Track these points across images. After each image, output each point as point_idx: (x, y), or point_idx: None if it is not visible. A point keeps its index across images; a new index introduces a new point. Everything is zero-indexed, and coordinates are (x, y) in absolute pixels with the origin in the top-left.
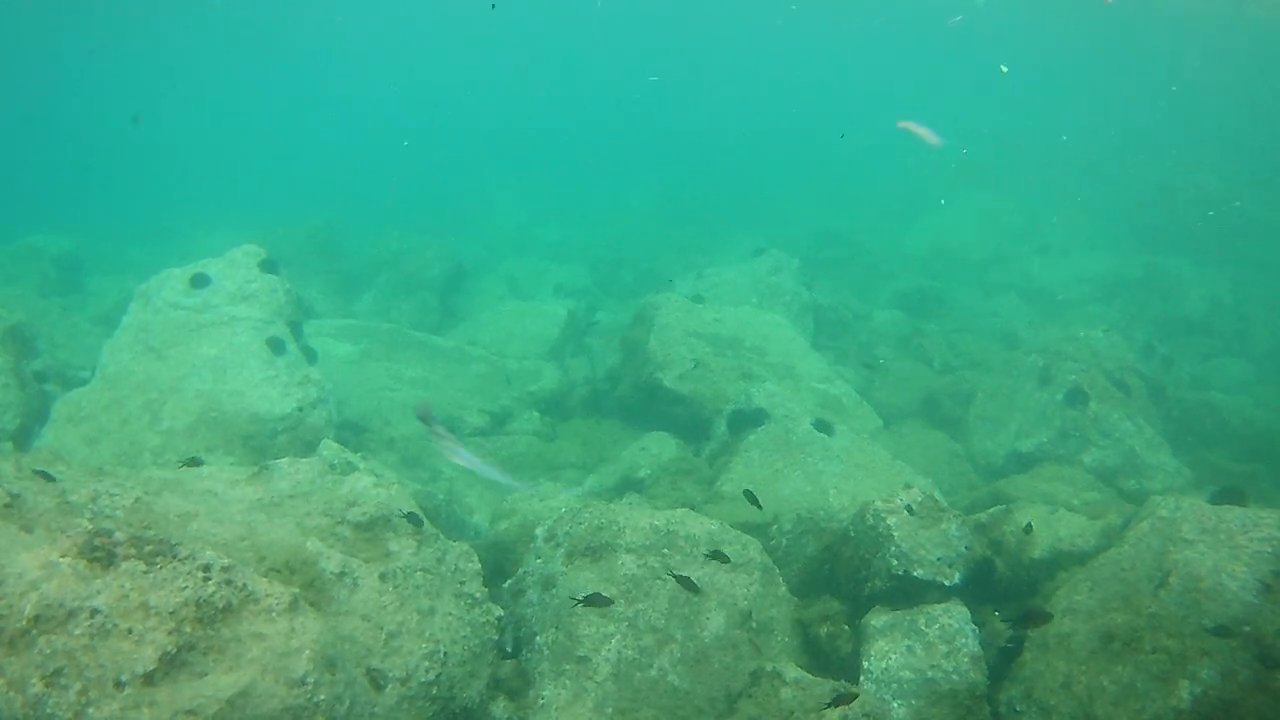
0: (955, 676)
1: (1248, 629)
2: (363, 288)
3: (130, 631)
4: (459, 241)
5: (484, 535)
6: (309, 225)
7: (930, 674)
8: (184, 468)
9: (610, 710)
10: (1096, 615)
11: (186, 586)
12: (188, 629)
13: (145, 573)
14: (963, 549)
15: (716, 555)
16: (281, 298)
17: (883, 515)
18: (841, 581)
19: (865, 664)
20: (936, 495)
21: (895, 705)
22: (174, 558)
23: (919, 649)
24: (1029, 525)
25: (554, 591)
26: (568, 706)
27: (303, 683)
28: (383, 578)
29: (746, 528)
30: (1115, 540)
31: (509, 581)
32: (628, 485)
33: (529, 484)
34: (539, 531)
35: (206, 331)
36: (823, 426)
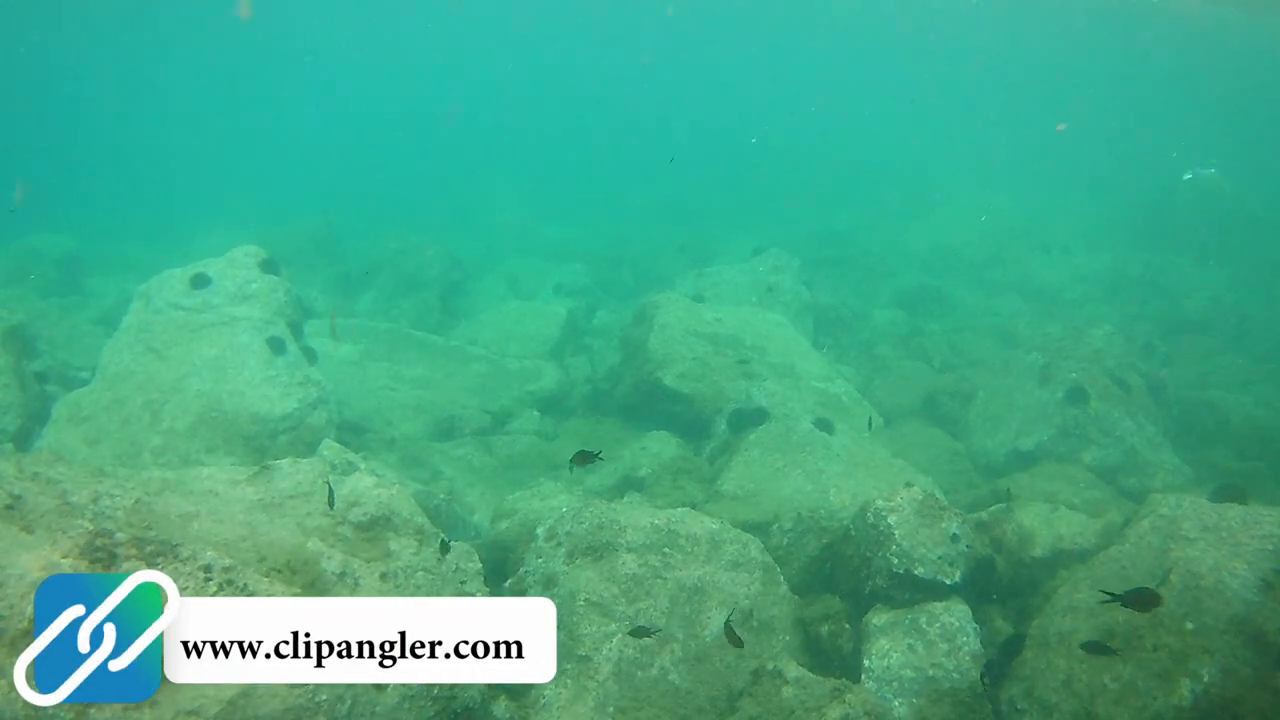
0: (956, 675)
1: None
2: (363, 287)
3: None
4: (459, 241)
5: (484, 534)
6: (309, 225)
7: (931, 672)
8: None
9: (611, 709)
10: (1097, 613)
11: (188, 587)
12: None
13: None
14: (963, 547)
15: None
16: (282, 298)
17: (883, 514)
18: (842, 580)
19: (866, 662)
20: (937, 494)
21: (896, 704)
22: (175, 558)
23: (920, 647)
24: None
25: (555, 590)
26: (569, 706)
27: (304, 682)
28: (383, 577)
29: (747, 527)
30: (1116, 538)
31: (510, 580)
32: (628, 484)
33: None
34: (540, 531)
35: (207, 332)
36: (823, 425)
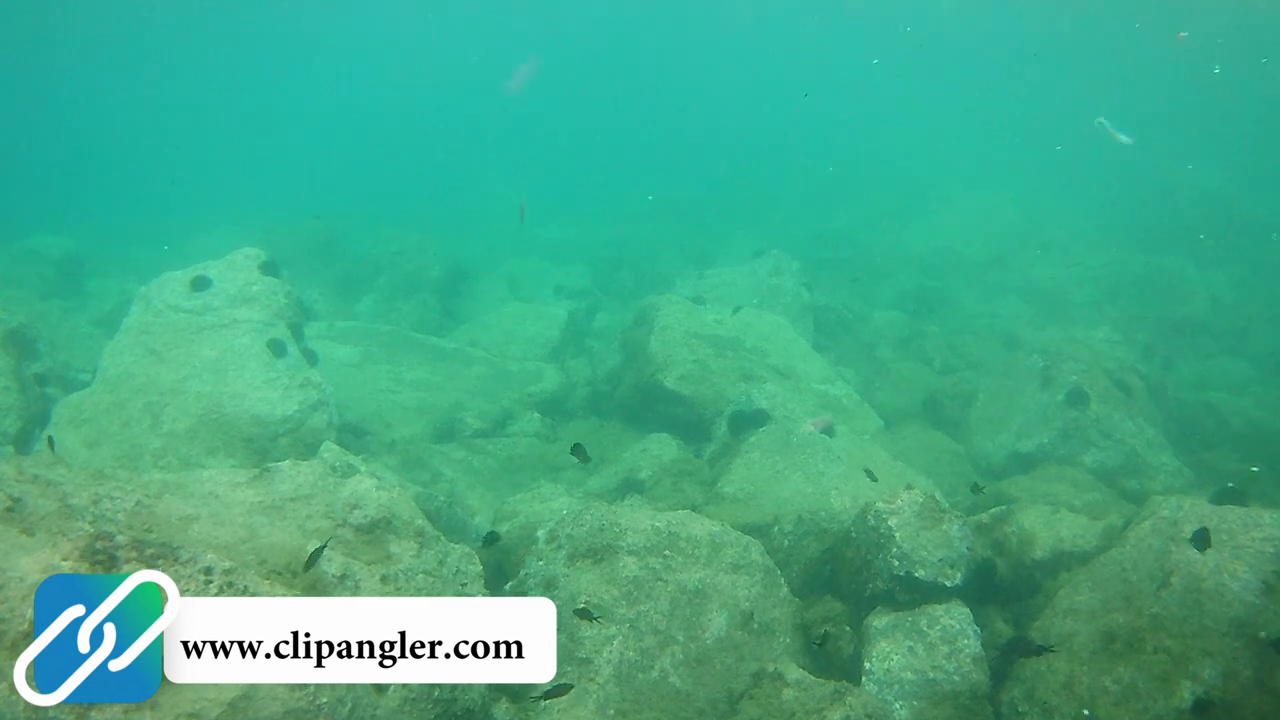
0: (957, 677)
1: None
2: (363, 289)
3: None
4: (459, 242)
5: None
6: (309, 227)
7: (932, 675)
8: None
9: (612, 712)
10: (1098, 615)
11: (188, 589)
12: None
13: None
14: (964, 550)
15: None
16: (282, 300)
17: (884, 516)
18: (843, 582)
19: (867, 665)
20: (937, 496)
21: (897, 706)
22: (175, 560)
23: (921, 650)
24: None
25: (556, 593)
26: (569, 708)
27: (305, 685)
28: (384, 580)
29: (748, 529)
30: (1116, 540)
31: (511, 583)
32: (629, 486)
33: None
34: (540, 533)
35: (207, 334)
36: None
